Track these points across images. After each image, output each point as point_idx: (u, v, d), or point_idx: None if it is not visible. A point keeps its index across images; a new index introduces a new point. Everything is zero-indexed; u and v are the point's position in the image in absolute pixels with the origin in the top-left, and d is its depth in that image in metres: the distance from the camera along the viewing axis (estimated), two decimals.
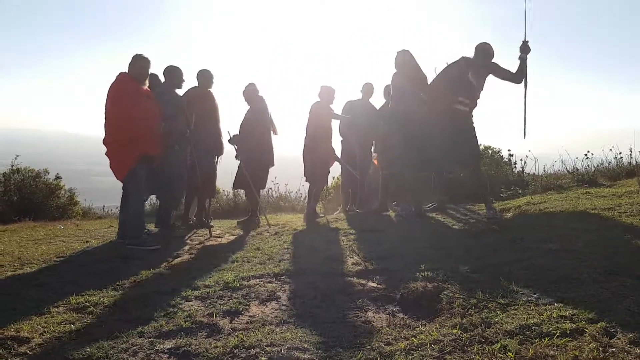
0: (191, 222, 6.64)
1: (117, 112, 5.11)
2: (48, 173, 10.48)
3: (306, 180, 7.29)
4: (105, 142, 5.22)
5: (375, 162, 8.03)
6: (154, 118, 5.30)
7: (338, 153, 7.49)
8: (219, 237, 5.94)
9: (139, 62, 5.25)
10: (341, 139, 7.53)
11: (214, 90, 6.63)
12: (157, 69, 6.00)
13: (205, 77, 6.51)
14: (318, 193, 7.46)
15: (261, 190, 7.51)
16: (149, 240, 5.31)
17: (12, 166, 10.11)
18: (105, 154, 5.25)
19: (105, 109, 5.20)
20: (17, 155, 10.28)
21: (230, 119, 7.18)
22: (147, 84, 5.45)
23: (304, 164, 7.18)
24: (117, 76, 5.24)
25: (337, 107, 7.38)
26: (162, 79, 6.12)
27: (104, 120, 5.24)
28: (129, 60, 5.28)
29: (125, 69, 5.28)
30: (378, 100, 7.58)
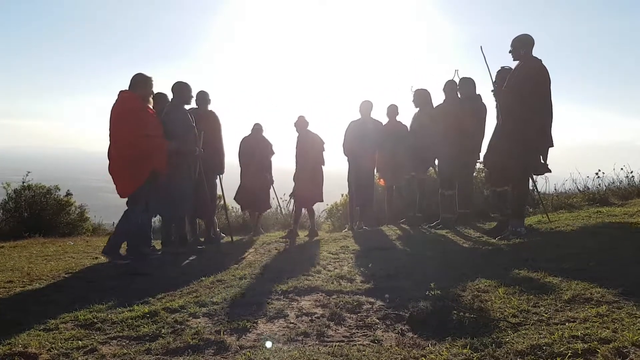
0: (192, 239, 6.67)
1: (127, 129, 5.18)
2: (59, 189, 10.55)
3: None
4: (112, 157, 5.28)
5: (382, 181, 8.00)
6: (161, 136, 5.39)
7: (343, 172, 7.61)
8: (228, 253, 5.93)
9: (145, 81, 5.35)
10: (348, 157, 7.55)
11: (214, 109, 6.86)
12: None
13: (203, 97, 6.67)
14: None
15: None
16: (148, 251, 5.46)
17: (23, 182, 10.20)
18: (110, 169, 5.29)
19: (112, 126, 5.27)
20: (29, 172, 10.37)
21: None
22: (152, 103, 5.55)
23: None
24: (121, 94, 5.31)
25: (340, 127, 7.68)
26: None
27: (109, 138, 5.31)
28: (131, 78, 5.38)
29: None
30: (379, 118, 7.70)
